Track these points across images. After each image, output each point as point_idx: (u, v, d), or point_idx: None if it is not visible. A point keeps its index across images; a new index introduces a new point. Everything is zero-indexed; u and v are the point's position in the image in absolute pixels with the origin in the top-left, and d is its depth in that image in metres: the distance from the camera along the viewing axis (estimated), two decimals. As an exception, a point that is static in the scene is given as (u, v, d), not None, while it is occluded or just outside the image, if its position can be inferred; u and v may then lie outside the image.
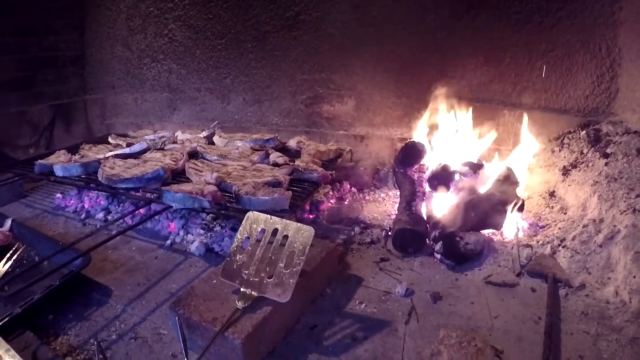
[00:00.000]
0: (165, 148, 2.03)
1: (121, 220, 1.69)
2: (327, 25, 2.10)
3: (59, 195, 2.04)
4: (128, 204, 1.84)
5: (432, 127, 1.92)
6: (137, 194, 1.66)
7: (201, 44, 2.42)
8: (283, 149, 1.93)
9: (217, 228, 1.53)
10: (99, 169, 1.78)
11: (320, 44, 2.13)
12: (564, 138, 1.78)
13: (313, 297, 1.18)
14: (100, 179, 1.72)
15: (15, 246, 1.49)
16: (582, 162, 1.55)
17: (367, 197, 1.89)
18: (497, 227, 1.51)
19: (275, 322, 0.97)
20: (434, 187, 1.62)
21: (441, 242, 1.34)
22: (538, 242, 1.50)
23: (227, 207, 1.35)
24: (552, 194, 1.67)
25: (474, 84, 1.89)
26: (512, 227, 1.55)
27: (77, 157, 1.94)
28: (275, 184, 1.40)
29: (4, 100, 2.41)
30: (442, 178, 1.61)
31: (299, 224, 1.00)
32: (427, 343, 1.04)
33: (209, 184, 1.41)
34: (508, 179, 1.60)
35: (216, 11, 2.33)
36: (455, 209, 1.52)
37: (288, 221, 1.01)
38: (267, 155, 1.75)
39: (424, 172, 1.72)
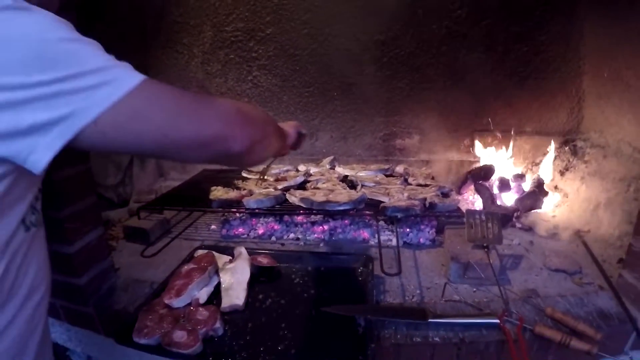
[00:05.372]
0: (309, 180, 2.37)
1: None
2: (397, 82, 2.86)
3: (213, 227, 2.27)
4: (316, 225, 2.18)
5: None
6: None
7: (288, 91, 2.82)
8: (393, 173, 2.60)
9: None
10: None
11: (393, 94, 2.87)
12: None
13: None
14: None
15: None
16: (571, 167, 2.77)
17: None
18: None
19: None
20: (501, 190, 2.63)
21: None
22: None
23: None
24: (555, 187, 2.86)
25: (497, 120, 2.89)
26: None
27: (245, 191, 2.15)
28: (445, 194, 2.15)
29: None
30: (506, 185, 2.64)
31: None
32: None
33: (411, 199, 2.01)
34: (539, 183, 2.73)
35: (302, 64, 2.78)
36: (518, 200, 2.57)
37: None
38: (406, 180, 2.41)
39: (491, 183, 2.69)
